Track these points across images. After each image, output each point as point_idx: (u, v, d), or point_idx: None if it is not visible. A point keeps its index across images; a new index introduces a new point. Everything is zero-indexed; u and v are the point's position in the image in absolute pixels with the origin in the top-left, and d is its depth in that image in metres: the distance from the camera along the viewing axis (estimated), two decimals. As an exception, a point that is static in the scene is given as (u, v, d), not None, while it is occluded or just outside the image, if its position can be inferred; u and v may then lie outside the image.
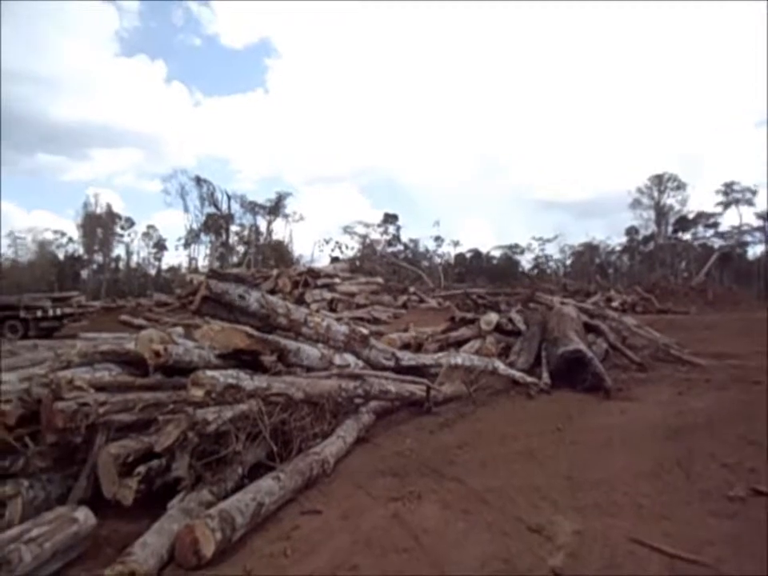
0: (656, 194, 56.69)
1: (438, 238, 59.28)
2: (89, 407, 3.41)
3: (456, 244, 60.35)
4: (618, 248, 60.12)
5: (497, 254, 61.55)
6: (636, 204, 57.30)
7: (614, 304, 22.58)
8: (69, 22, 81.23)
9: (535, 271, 56.77)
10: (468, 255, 60.83)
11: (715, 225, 55.77)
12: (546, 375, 7.28)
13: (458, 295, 24.31)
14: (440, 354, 7.68)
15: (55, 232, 52.03)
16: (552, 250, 60.64)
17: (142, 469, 3.42)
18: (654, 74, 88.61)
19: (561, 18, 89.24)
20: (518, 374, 7.31)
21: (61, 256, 50.21)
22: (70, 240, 52.02)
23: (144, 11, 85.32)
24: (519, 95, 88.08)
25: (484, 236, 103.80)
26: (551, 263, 61.17)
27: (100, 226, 51.54)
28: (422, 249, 59.54)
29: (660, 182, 56.09)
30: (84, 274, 51.47)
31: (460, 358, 7.40)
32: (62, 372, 4.28)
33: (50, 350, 7.59)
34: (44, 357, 6.84)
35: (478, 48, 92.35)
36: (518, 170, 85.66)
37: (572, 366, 7.19)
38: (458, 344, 9.82)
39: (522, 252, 61.11)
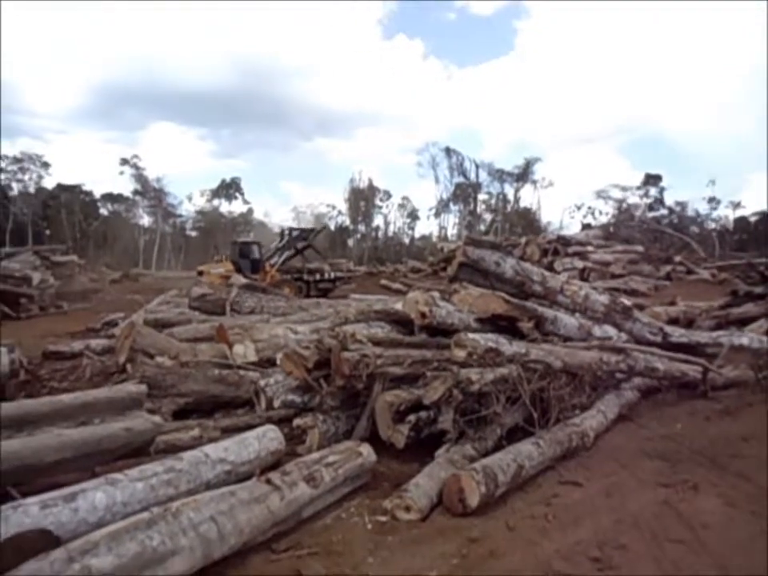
0: None
1: (712, 200, 50.93)
2: (368, 358, 3.87)
3: (736, 206, 51.16)
4: None
5: (793, 216, 50.34)
6: None
7: None
8: (340, 19, 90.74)
9: None
10: (752, 219, 51.05)
11: None
12: None
13: (738, 266, 20.74)
14: (719, 333, 6.77)
15: (328, 206, 59.84)
16: None
17: (412, 417, 3.78)
18: None
19: None
20: (827, 363, 6.00)
21: (332, 227, 57.35)
22: (340, 212, 59.18)
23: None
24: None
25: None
26: None
27: (363, 199, 57.33)
28: (691, 213, 51.94)
29: None
30: (350, 242, 57.99)
31: (746, 338, 6.42)
32: (345, 327, 4.93)
33: (330, 308, 8.82)
34: (326, 313, 8.00)
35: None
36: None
37: None
38: (742, 322, 8.54)
39: (833, 214, 48.83)
